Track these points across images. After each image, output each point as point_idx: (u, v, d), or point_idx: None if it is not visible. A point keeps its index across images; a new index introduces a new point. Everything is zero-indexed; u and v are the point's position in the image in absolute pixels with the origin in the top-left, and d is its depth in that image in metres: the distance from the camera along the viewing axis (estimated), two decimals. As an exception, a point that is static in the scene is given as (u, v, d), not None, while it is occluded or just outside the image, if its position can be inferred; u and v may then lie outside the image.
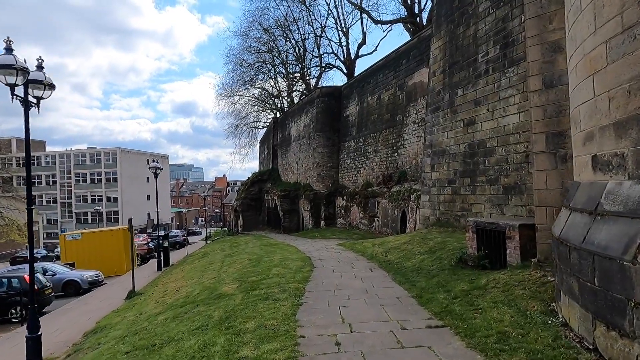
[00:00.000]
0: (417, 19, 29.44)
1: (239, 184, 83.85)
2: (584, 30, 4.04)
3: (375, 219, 24.24)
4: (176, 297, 9.81)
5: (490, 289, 6.14)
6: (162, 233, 56.52)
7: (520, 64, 11.69)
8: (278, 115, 50.05)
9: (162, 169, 20.22)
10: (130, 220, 15.00)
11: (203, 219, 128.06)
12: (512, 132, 11.83)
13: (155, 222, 75.44)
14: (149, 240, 49.67)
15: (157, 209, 19.59)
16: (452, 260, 8.40)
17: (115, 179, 70.43)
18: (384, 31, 35.88)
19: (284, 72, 48.37)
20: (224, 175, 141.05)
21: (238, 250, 19.33)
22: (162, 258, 19.75)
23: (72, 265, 20.70)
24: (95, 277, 19.00)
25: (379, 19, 33.50)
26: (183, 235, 44.31)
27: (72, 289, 18.16)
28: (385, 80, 25.40)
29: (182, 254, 27.73)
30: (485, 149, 12.93)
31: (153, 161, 19.77)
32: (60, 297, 17.48)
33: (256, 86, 52.04)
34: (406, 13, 30.31)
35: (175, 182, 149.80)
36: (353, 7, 34.64)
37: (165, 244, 20.55)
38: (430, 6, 27.07)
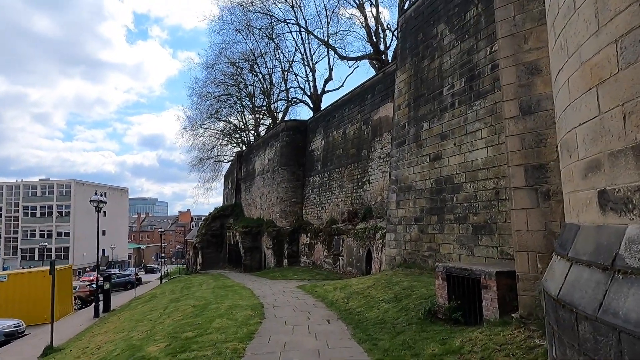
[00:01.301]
0: (383, 56, 29.61)
1: (203, 219, 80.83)
2: (581, 33, 3.20)
3: (340, 257, 23.01)
4: None
5: (466, 353, 5.02)
6: (115, 271, 52.69)
7: (487, 97, 11.20)
8: (244, 149, 48.92)
9: (105, 202, 18.44)
10: (52, 262, 13.11)
11: (164, 255, 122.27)
12: (481, 168, 11.16)
13: (110, 259, 70.72)
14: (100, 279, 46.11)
15: (98, 246, 17.62)
16: (420, 311, 7.27)
17: (68, 213, 66.27)
18: (350, 67, 35.99)
19: (250, 105, 47.74)
20: (188, 210, 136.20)
21: (188, 293, 17.52)
22: (101, 302, 17.50)
23: (-9, 312, 18.04)
24: (14, 327, 16.40)
25: (345, 55, 33.62)
26: (136, 274, 41.24)
27: (-17, 343, 15.53)
28: (350, 115, 24.93)
29: (131, 296, 25.31)
30: (453, 185, 12.19)
31: (95, 194, 17.98)
32: (-34, 353, 14.91)
33: (222, 119, 51.07)
34: (372, 50, 30.50)
35: (137, 216, 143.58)
36: (320, 42, 34.74)
37: (107, 286, 18.38)
38: (395, 44, 27.31)
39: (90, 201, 17.35)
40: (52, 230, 65.51)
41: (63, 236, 65.63)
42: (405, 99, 15.32)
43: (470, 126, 11.68)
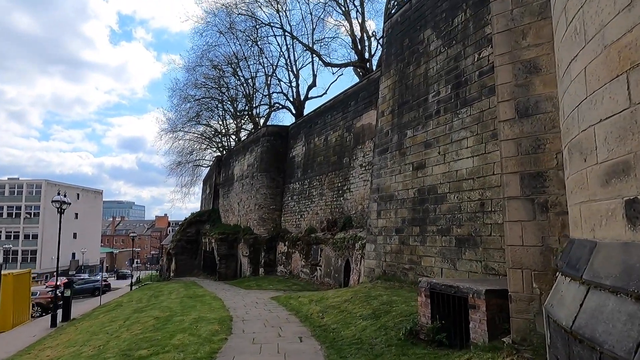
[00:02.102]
0: (367, 64, 29.34)
1: (179, 224, 78.91)
2: (606, 10, 2.67)
3: (318, 267, 22.30)
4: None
5: (453, 384, 4.40)
6: (84, 276, 50.47)
7: (473, 105, 10.79)
8: (224, 153, 47.90)
9: (69, 203, 17.29)
10: (-1, 267, 12.01)
11: (139, 260, 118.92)
12: (466, 178, 10.70)
13: (80, 263, 68.05)
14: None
15: (58, 250, 16.43)
16: (400, 331, 6.64)
17: (38, 214, 63.63)
18: (333, 73, 35.68)
19: (232, 110, 46.85)
20: (166, 214, 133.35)
21: (155, 302, 16.53)
22: (59, 311, 16.21)
23: None
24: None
25: (329, 62, 33.23)
26: (105, 280, 39.48)
27: None
28: (333, 122, 24.43)
29: (97, 303, 23.96)
30: (436, 195, 11.71)
31: (58, 194, 16.83)
32: None
33: (202, 123, 50.00)
34: (356, 58, 30.19)
35: (112, 219, 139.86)
36: (304, 48, 34.30)
37: (67, 293, 17.17)
38: (380, 53, 27.07)
39: (53, 202, 16.21)
40: (19, 232, 62.73)
41: (31, 238, 62.91)
42: (389, 106, 14.86)
43: (456, 134, 11.25)
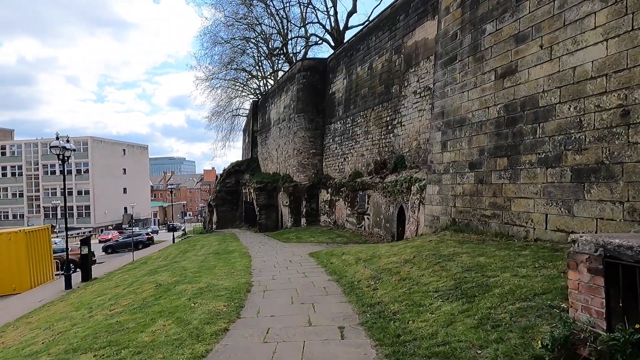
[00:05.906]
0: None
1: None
2: None
3: (365, 216, 19.34)
4: None
5: None
6: (135, 230, 51.07)
7: (608, -44, 6.74)
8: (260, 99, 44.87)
9: (74, 149, 15.16)
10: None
11: (191, 213, 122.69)
12: (593, 76, 6.89)
13: (129, 216, 69.48)
14: (119, 237, 44.37)
15: (65, 202, 14.47)
16: (534, 338, 3.42)
17: (87, 171, 64.90)
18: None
19: (265, 50, 43.12)
20: (213, 168, 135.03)
21: (178, 260, 14.41)
22: (73, 272, 14.50)
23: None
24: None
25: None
26: (147, 234, 38.98)
27: None
28: (378, 44, 20.37)
29: (130, 259, 22.66)
30: (537, 109, 8.00)
31: (57, 139, 14.61)
32: None
33: (235, 67, 46.78)
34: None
35: (163, 175, 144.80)
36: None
37: (84, 251, 15.42)
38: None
39: (51, 147, 14.09)
40: (72, 189, 64.52)
41: (83, 194, 64.66)
42: (457, -4, 10.82)
43: (572, 12, 7.32)
